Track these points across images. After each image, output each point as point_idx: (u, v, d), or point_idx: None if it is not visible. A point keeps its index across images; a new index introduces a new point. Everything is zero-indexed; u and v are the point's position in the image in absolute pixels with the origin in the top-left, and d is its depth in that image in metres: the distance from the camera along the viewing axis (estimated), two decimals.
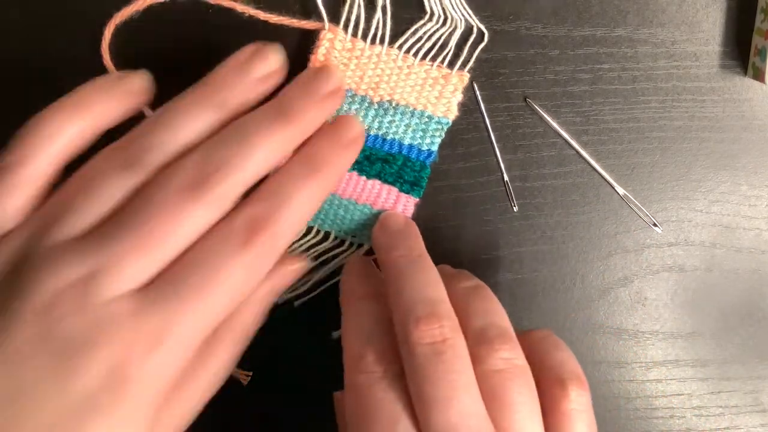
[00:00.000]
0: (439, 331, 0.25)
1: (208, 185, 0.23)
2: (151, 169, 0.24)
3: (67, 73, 0.32)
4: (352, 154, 0.29)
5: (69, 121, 0.25)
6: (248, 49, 0.26)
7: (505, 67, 0.32)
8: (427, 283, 0.27)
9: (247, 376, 0.33)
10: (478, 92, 0.32)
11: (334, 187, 0.28)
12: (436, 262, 0.33)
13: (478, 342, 0.26)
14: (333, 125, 0.28)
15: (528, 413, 0.25)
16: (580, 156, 0.33)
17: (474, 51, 0.32)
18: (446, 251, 0.33)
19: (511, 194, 0.33)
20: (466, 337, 0.26)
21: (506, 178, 0.33)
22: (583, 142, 0.33)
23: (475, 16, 0.32)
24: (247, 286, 0.24)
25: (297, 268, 0.30)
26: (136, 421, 0.22)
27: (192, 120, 0.24)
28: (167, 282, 0.23)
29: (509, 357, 0.26)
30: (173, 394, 0.24)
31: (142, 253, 0.22)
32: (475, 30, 0.32)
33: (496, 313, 0.27)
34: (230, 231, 0.24)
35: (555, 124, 0.33)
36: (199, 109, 0.25)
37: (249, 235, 0.23)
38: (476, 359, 0.25)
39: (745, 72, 0.33)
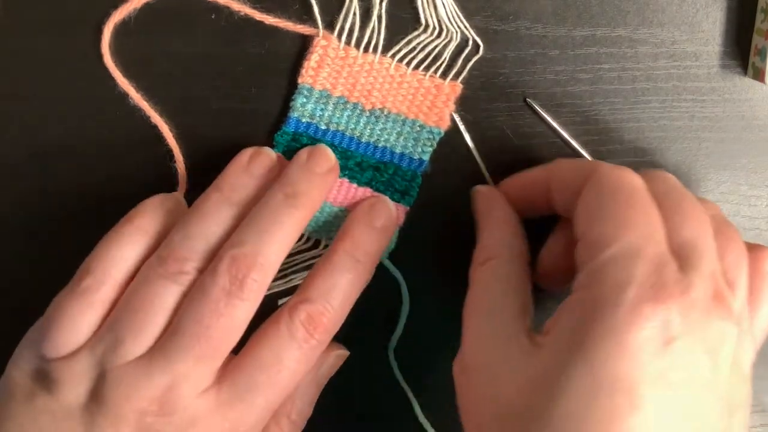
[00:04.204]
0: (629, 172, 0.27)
1: (245, 284, 0.26)
2: (191, 276, 0.27)
3: (69, 72, 0.32)
4: (386, 236, 0.31)
5: (131, 246, 0.28)
6: (247, 152, 0.30)
7: (505, 67, 0.32)
8: None
9: None
10: (460, 123, 0.32)
11: (371, 274, 0.30)
12: (434, 261, 0.33)
13: None
14: (367, 210, 0.31)
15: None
16: (580, 156, 0.33)
17: (468, 62, 0.32)
18: (442, 251, 0.33)
19: None
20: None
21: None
22: (583, 142, 0.33)
23: (475, 16, 0.32)
24: (302, 374, 0.28)
25: (341, 354, 0.32)
26: None
27: (216, 222, 0.28)
28: (239, 378, 0.27)
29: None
30: None
31: (206, 358, 0.26)
32: (470, 42, 0.32)
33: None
34: (288, 329, 0.27)
35: (555, 124, 0.33)
36: (220, 211, 0.28)
37: (308, 330, 0.27)
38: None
39: (745, 72, 0.33)
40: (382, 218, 0.30)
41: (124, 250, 0.28)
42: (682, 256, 0.25)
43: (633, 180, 0.26)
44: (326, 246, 0.33)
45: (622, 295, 0.23)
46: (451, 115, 0.32)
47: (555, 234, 0.31)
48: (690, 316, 0.23)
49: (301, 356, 0.27)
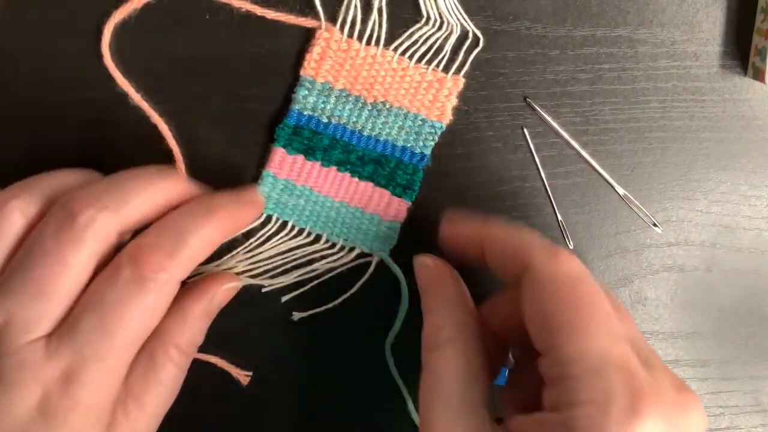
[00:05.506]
0: None
1: (78, 225, 0.25)
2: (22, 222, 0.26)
3: (69, 72, 0.32)
4: (249, 212, 0.30)
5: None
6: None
7: (505, 67, 0.32)
8: None
9: (247, 376, 0.33)
10: (529, 139, 0.32)
11: (229, 234, 0.29)
12: None
13: None
14: (235, 191, 0.30)
15: None
16: (580, 156, 0.33)
17: (469, 55, 0.32)
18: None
19: (565, 232, 0.33)
20: None
21: (560, 218, 0.33)
22: (583, 142, 0.33)
23: (475, 16, 0.32)
24: (148, 314, 0.26)
25: (232, 287, 0.31)
26: None
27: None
28: (72, 324, 0.25)
29: None
30: (125, 409, 0.26)
31: (39, 302, 0.25)
32: (470, 35, 0.32)
33: None
34: (119, 265, 0.25)
35: (555, 124, 0.33)
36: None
37: (138, 268, 0.25)
38: None
39: (745, 72, 0.33)
40: (249, 194, 0.30)
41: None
42: (637, 352, 0.24)
43: (573, 272, 0.25)
44: (327, 241, 0.33)
45: (606, 416, 0.22)
46: (521, 128, 0.32)
47: (498, 298, 0.29)
48: (671, 419, 0.23)
49: (131, 297, 0.25)
